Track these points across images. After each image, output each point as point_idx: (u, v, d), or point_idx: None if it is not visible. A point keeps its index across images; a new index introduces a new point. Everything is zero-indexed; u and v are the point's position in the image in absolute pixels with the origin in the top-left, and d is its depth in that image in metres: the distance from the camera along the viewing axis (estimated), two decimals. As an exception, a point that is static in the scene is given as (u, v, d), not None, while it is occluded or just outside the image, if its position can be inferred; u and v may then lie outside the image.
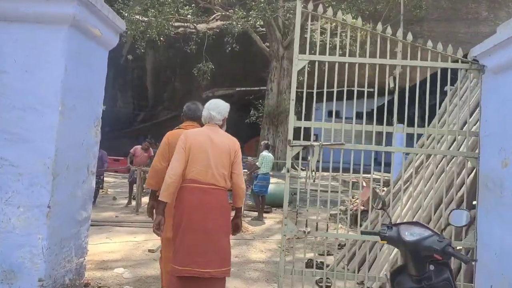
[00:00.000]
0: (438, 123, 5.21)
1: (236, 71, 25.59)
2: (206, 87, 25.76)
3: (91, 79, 3.53)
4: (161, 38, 20.16)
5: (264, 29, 23.28)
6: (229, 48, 20.09)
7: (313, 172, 3.49)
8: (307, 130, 3.66)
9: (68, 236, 3.28)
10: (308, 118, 3.76)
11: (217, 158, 2.91)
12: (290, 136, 3.56)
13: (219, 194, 2.94)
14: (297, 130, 3.67)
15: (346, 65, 3.72)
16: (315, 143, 3.49)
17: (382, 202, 2.71)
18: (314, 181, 3.53)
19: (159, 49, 25.57)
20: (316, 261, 4.82)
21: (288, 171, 3.47)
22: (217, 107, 3.10)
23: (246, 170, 9.95)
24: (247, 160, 14.96)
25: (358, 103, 3.60)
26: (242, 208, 3.28)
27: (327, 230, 3.82)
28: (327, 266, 4.01)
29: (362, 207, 8.42)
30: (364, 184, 8.52)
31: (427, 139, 5.51)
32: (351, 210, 8.90)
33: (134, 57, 24.83)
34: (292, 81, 3.65)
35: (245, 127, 25.15)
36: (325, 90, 3.62)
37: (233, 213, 3.20)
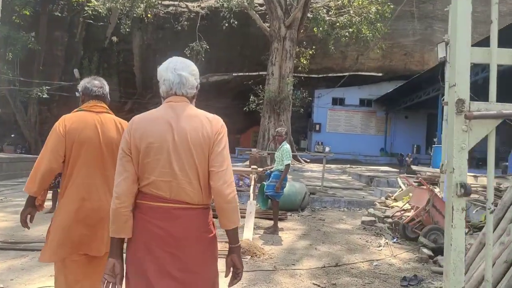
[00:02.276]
0: None
1: (232, 54, 23.46)
2: (200, 72, 23.50)
3: None
4: (149, 15, 17.92)
5: (263, 7, 21.10)
6: (226, 25, 17.84)
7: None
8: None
9: None
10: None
11: (185, 158, 1.79)
12: (463, 92, 1.34)
13: (195, 217, 1.81)
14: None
15: None
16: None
17: None
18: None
19: (147, 29, 23.30)
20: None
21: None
22: (187, 66, 1.92)
23: (255, 167, 7.80)
24: (251, 152, 12.84)
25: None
26: (237, 232, 1.89)
27: None
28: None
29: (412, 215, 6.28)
30: (423, 185, 6.32)
31: None
32: (396, 218, 6.83)
33: (119, 39, 22.55)
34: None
35: (242, 116, 23.06)
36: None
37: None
